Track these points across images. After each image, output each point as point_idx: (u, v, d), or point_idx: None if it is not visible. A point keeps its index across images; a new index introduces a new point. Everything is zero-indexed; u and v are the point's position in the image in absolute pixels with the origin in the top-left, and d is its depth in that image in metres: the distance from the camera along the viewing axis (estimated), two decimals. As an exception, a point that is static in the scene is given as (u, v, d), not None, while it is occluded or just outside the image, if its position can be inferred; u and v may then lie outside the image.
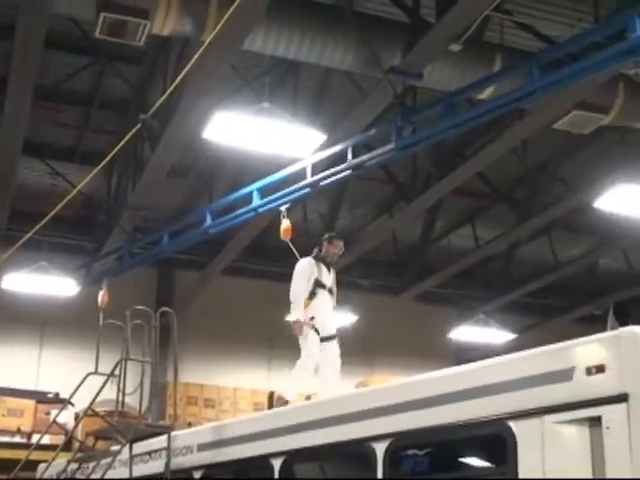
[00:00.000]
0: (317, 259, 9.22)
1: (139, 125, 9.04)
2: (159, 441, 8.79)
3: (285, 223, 10.18)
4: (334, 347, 9.24)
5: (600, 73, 8.86)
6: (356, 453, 6.28)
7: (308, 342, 8.92)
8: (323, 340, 9.06)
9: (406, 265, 19.25)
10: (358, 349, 20.37)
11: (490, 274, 19.88)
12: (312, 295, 9.01)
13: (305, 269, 9.10)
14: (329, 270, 9.30)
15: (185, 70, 7.87)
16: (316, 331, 8.98)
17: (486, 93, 10.70)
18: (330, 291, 9.25)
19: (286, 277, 20.07)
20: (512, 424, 4.97)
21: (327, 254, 9.30)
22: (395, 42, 10.23)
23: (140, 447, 9.09)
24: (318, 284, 9.09)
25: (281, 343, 19.70)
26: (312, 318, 8.95)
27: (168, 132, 11.56)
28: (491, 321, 20.02)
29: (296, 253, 9.79)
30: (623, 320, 5.24)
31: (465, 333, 20.23)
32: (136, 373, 9.31)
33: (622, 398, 4.44)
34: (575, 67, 8.57)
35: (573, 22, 11.86)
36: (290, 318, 9.01)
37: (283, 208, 10.51)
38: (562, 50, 9.70)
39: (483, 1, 9.21)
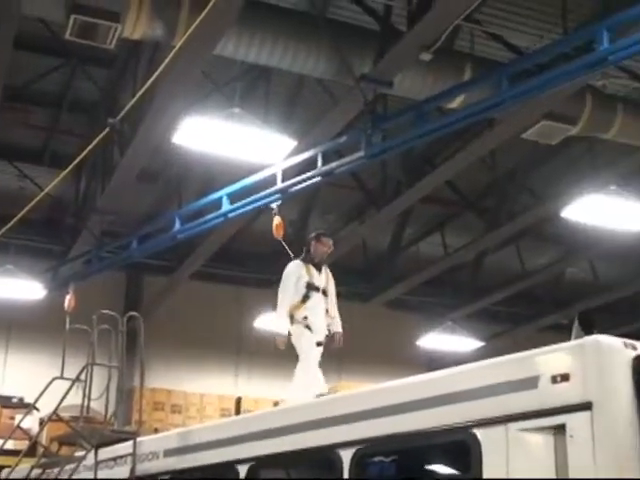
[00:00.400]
0: (306, 261, 8.90)
1: (107, 129, 8.95)
2: (125, 447, 8.74)
3: (276, 220, 9.90)
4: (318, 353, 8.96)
5: (568, 84, 8.95)
6: (323, 460, 6.27)
7: (303, 343, 8.66)
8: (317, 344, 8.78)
9: (375, 272, 19.29)
10: (326, 356, 20.38)
11: (459, 282, 19.99)
12: (305, 299, 8.71)
13: (291, 273, 8.80)
14: (320, 270, 8.93)
15: (155, 74, 7.84)
16: (309, 329, 8.69)
17: (456, 102, 10.77)
18: (324, 292, 8.88)
19: (255, 282, 20.13)
20: (477, 432, 4.99)
21: (316, 254, 8.94)
22: (367, 50, 10.27)
23: (105, 453, 9.03)
24: (310, 287, 8.76)
25: (249, 349, 19.77)
26: (305, 317, 8.69)
27: (138, 136, 11.51)
28: (459, 329, 20.12)
29: (289, 251, 9.59)
30: (588, 329, 5.27)
31: (433, 340, 20.30)
32: (102, 378, 9.26)
33: (586, 406, 4.48)
34: (543, 78, 8.65)
35: (542, 33, 11.97)
36: (274, 329, 8.81)
37: (275, 205, 10.24)
38: (531, 61, 9.79)
39: (454, 11, 9.28)
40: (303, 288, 8.71)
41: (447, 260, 17.73)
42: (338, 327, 9.09)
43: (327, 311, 8.90)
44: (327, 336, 8.88)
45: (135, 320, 9.44)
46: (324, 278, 8.93)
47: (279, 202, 10.40)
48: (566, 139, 12.32)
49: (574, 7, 11.31)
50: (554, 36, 11.65)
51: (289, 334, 8.69)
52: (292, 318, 8.70)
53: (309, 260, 8.89)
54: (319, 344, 8.77)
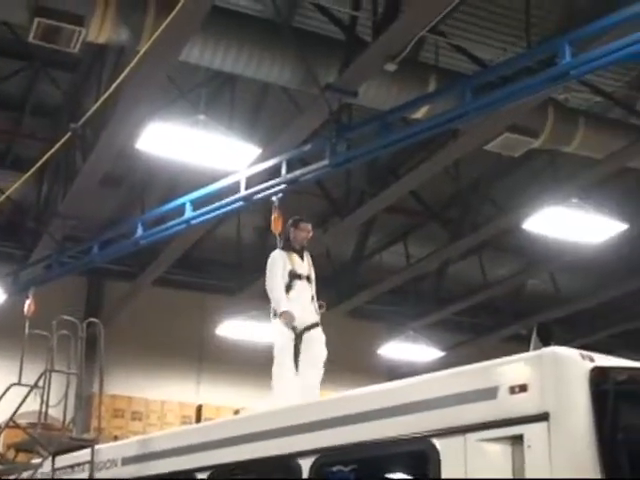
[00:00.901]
0: (286, 249, 8.72)
1: (69, 134, 8.88)
2: (83, 454, 8.65)
3: (275, 214, 9.51)
4: (318, 334, 8.70)
5: (531, 97, 9.04)
6: (282, 469, 6.25)
7: (278, 341, 8.50)
8: (305, 330, 8.51)
9: (338, 280, 19.31)
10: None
11: (421, 291, 20.08)
12: (288, 288, 8.47)
13: (275, 261, 8.61)
14: (302, 257, 8.74)
15: (119, 79, 7.81)
16: (287, 327, 8.42)
17: (420, 113, 10.84)
18: (308, 279, 8.66)
19: (217, 289, 20.09)
20: (436, 441, 5.01)
21: (295, 241, 8.78)
22: (332, 59, 10.30)
23: (63, 460, 8.93)
24: (293, 275, 8.55)
25: (211, 356, 19.69)
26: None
27: (101, 141, 11.43)
28: (420, 338, 20.19)
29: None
30: (546, 340, 5.31)
31: (394, 349, 20.35)
32: (61, 384, 9.17)
33: (543, 417, 4.51)
34: (506, 90, 8.72)
35: (506, 46, 12.10)
36: (278, 309, 8.39)
37: (275, 199, 9.81)
38: (494, 73, 9.88)
39: (419, 22, 9.34)
40: (286, 277, 8.51)
41: (410, 270, 17.80)
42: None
43: (313, 297, 8.68)
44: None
45: (95, 326, 9.37)
46: (307, 264, 8.76)
47: (280, 195, 9.99)
48: (528, 151, 12.45)
49: (538, 21, 11.44)
50: (518, 49, 11.78)
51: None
52: (275, 312, 8.46)
53: (290, 248, 8.73)
54: (310, 327, 8.58)
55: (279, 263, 8.57)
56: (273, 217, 9.44)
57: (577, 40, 8.30)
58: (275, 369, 8.62)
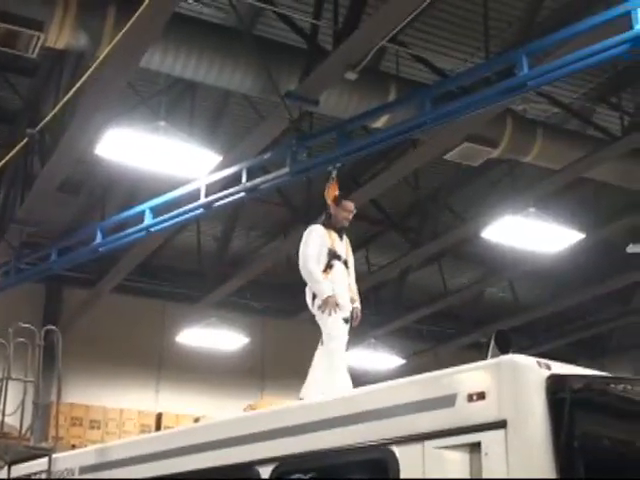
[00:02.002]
0: (327, 226, 7.89)
1: (26, 139, 8.80)
2: (40, 463, 8.55)
3: (331, 182, 8.61)
4: (345, 332, 7.79)
5: (489, 107, 9.14)
6: (241, 477, 6.24)
7: (329, 322, 7.58)
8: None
9: (299, 288, 19.26)
10: (249, 372, 20.35)
11: (382, 299, 20.13)
12: (327, 268, 7.66)
13: (314, 235, 7.79)
14: (341, 238, 7.93)
15: (77, 85, 7.76)
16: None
17: (380, 122, 10.90)
18: (345, 264, 7.85)
19: (177, 297, 19.95)
20: (395, 449, 5.03)
21: (337, 219, 7.96)
22: (293, 68, 10.32)
23: (19, 469, 8.82)
24: (333, 255, 7.74)
25: (171, 364, 19.58)
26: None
27: (60, 146, 11.32)
28: (381, 346, 20.25)
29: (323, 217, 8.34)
30: (504, 348, 5.36)
31: (355, 357, 20.37)
32: (18, 392, 9.06)
33: (501, 424, 4.55)
34: (465, 100, 8.82)
35: (466, 57, 12.22)
36: (317, 293, 7.61)
37: (332, 168, 9.01)
38: (453, 83, 9.99)
39: (379, 32, 9.40)
40: (325, 256, 7.71)
41: (371, 278, 17.85)
42: (359, 303, 7.99)
43: (349, 285, 7.88)
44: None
45: (53, 334, 9.27)
46: (344, 247, 7.95)
47: (339, 164, 9.23)
48: (487, 161, 12.58)
49: (497, 33, 11.57)
50: (477, 60, 11.90)
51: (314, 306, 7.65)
52: (314, 295, 7.71)
53: (330, 226, 7.92)
54: (346, 321, 7.72)
55: (317, 238, 7.76)
56: (329, 185, 8.65)
57: (535, 52, 8.43)
58: (324, 352, 7.79)
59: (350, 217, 8.06)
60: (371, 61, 10.16)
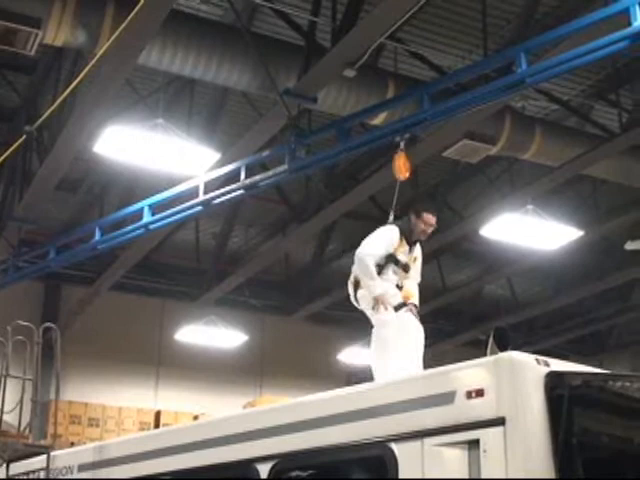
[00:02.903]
0: (402, 232, 7.40)
1: (24, 137, 8.78)
2: (38, 461, 8.55)
3: (400, 157, 8.15)
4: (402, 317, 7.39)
5: (488, 104, 9.13)
6: (240, 474, 6.24)
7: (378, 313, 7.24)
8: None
9: (298, 286, 19.33)
10: (248, 369, 20.35)
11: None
12: (378, 269, 7.29)
13: (387, 236, 7.37)
14: (410, 248, 7.45)
15: (75, 83, 7.75)
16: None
17: (379, 119, 10.90)
18: (404, 268, 7.38)
19: (176, 295, 19.93)
20: (394, 446, 5.03)
21: (413, 230, 7.44)
22: (291, 65, 10.31)
23: (18, 467, 8.82)
24: (390, 259, 7.33)
25: (169, 361, 19.58)
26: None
27: (58, 144, 11.31)
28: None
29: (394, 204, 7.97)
30: (503, 345, 5.37)
31: (354, 355, 20.39)
32: (16, 390, 9.05)
33: (499, 422, 4.55)
34: (464, 97, 8.81)
35: (464, 54, 12.21)
36: (369, 289, 7.27)
37: (400, 139, 8.58)
38: (452, 80, 10.00)
39: (377, 29, 9.38)
40: (383, 258, 7.34)
41: (369, 275, 17.82)
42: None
43: (398, 286, 7.38)
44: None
45: (52, 331, 9.26)
46: (411, 256, 7.48)
47: (407, 135, 8.77)
48: (486, 158, 12.57)
49: (495, 30, 11.57)
50: (476, 57, 11.89)
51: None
52: (357, 284, 7.42)
53: (405, 233, 7.43)
54: (397, 309, 7.28)
55: (387, 239, 7.34)
56: (398, 161, 8.29)
57: (533, 49, 8.44)
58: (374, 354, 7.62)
59: (429, 231, 7.55)
60: (369, 58, 10.14)
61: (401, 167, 8.42)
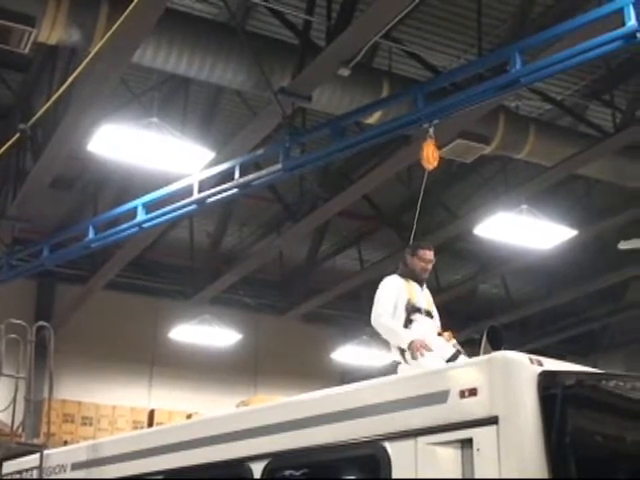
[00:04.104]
0: (404, 276, 7.31)
1: (18, 135, 8.77)
2: (31, 460, 8.54)
3: (429, 145, 7.90)
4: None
5: (482, 104, 9.13)
6: (233, 474, 6.24)
7: (427, 365, 6.48)
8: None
9: (292, 285, 19.33)
10: (242, 368, 20.35)
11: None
12: (408, 323, 6.97)
13: (388, 289, 7.17)
14: (421, 288, 7.33)
15: (69, 81, 7.73)
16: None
17: (373, 118, 10.90)
18: (428, 314, 7.18)
19: (170, 293, 19.91)
20: (387, 445, 5.03)
21: (414, 270, 7.34)
22: (286, 64, 10.31)
23: (11, 466, 8.81)
24: (413, 308, 7.07)
25: (163, 360, 19.57)
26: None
27: (52, 142, 11.30)
28: (374, 342, 20.25)
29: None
30: (496, 345, 5.39)
31: (348, 354, 20.41)
32: (9, 389, 9.05)
33: (492, 421, 4.55)
34: (458, 97, 8.81)
35: (459, 54, 12.23)
36: (400, 344, 6.82)
37: (428, 126, 8.24)
38: (446, 80, 10.00)
39: (372, 28, 9.38)
40: (403, 311, 7.03)
41: (363, 274, 17.86)
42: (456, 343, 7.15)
43: (439, 333, 7.12)
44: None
45: (45, 330, 9.25)
46: (425, 298, 7.32)
47: (436, 121, 8.42)
48: (480, 158, 12.58)
49: (489, 29, 11.58)
50: (470, 57, 11.91)
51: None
52: (402, 351, 6.87)
53: (407, 275, 7.33)
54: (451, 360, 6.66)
55: (391, 292, 7.10)
56: (427, 149, 8.06)
57: (527, 48, 8.43)
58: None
59: (429, 267, 7.41)
60: (364, 57, 10.16)
61: (429, 156, 8.15)
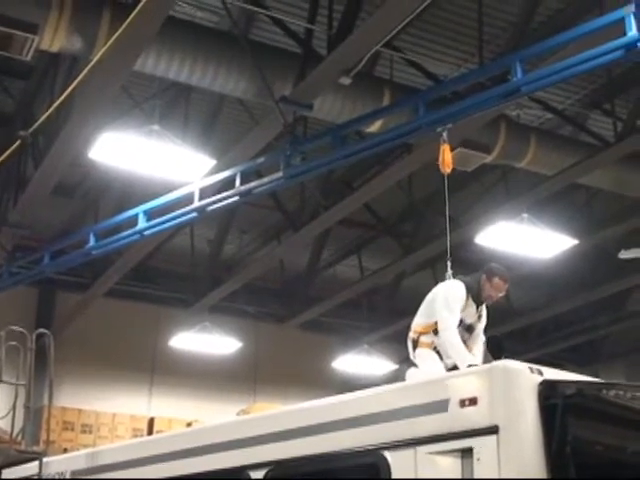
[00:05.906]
0: (468, 290, 7.15)
1: (18, 142, 8.77)
2: (31, 467, 8.52)
3: (445, 149, 7.95)
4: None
5: (483, 112, 9.15)
6: (233, 482, 6.23)
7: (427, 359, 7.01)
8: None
9: (292, 293, 19.31)
10: (241, 376, 20.32)
11: (375, 305, 20.12)
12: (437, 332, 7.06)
13: (458, 297, 7.09)
14: (477, 309, 7.22)
15: (70, 88, 7.74)
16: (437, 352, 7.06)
17: (375, 126, 10.91)
18: (469, 329, 7.19)
19: (171, 301, 19.89)
20: (387, 454, 5.02)
21: (481, 293, 7.17)
22: (287, 72, 10.32)
23: (10, 473, 8.79)
24: (465, 328, 7.16)
25: (163, 368, 19.55)
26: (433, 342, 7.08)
27: (53, 149, 11.30)
28: (374, 351, 20.24)
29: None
30: (497, 354, 5.38)
31: (349, 362, 20.38)
32: (9, 396, 9.03)
33: (493, 430, 4.55)
34: (459, 105, 8.82)
35: (460, 62, 12.24)
36: (458, 363, 6.79)
37: (442, 130, 8.28)
38: (447, 88, 10.02)
39: (373, 37, 9.39)
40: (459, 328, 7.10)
41: (364, 283, 17.85)
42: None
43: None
44: None
45: (45, 337, 9.25)
46: (477, 315, 7.26)
47: (449, 125, 8.39)
48: (481, 166, 12.58)
49: (490, 38, 11.60)
50: (471, 66, 11.92)
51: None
52: (416, 342, 7.24)
53: (473, 292, 7.18)
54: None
55: (459, 303, 7.03)
56: (444, 153, 8.05)
57: (528, 58, 8.46)
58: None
59: (497, 297, 7.24)
60: (365, 66, 10.17)
61: (447, 160, 8.10)
